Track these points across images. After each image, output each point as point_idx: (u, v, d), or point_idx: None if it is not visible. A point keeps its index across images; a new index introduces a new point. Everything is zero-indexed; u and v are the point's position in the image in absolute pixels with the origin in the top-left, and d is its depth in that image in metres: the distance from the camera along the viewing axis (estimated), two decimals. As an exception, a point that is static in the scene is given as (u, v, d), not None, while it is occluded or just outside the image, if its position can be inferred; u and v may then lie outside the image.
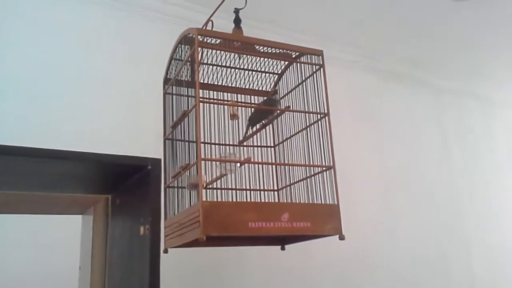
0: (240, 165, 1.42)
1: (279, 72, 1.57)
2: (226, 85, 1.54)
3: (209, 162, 1.32)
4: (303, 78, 1.45)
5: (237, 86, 1.56)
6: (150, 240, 1.32)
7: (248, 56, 1.44)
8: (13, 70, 1.89)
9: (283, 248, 1.51)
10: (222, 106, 1.46)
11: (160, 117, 1.52)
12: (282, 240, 1.49)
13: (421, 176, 3.00)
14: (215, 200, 1.39)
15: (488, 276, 3.05)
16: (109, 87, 2.07)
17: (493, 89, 3.59)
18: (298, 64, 1.47)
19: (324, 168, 1.35)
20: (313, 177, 1.37)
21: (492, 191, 3.35)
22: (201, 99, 1.24)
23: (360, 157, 2.73)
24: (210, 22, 1.42)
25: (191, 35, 1.33)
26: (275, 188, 1.53)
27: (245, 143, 1.54)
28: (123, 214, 1.57)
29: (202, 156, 1.19)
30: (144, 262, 1.31)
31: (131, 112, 2.07)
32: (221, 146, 1.46)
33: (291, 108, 1.48)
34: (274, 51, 1.40)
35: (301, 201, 1.40)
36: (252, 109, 1.55)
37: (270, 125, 1.59)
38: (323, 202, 1.32)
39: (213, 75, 1.51)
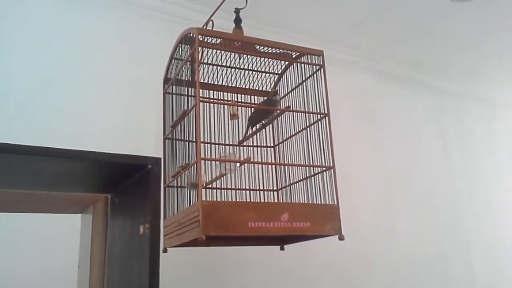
0: (240, 165, 1.42)
1: (279, 72, 1.57)
2: (226, 85, 1.54)
3: (209, 161, 1.32)
4: (303, 78, 1.45)
5: (237, 86, 1.55)
6: (149, 239, 1.32)
7: (249, 56, 1.44)
8: (13, 70, 1.89)
9: (282, 248, 1.51)
10: (222, 106, 1.46)
11: (160, 116, 1.52)
12: (281, 240, 1.49)
13: (421, 177, 3.00)
14: (215, 200, 1.39)
15: (487, 276, 3.05)
16: (109, 86, 2.06)
17: (493, 91, 3.59)
18: (298, 64, 1.47)
19: (324, 168, 1.35)
20: (313, 177, 1.37)
21: (492, 191, 3.35)
22: (201, 99, 1.24)
23: (360, 157, 2.73)
24: (211, 22, 1.42)
25: (191, 34, 1.33)
26: (275, 188, 1.53)
27: (245, 143, 1.54)
28: (123, 213, 1.57)
29: (202, 156, 1.19)
30: (144, 261, 1.31)
31: (131, 111, 2.07)
32: (221, 146, 1.46)
33: (291, 108, 1.48)
34: (274, 51, 1.40)
35: (301, 201, 1.40)
36: (252, 109, 1.55)
37: (270, 125, 1.59)
38: (322, 202, 1.32)
39: (213, 74, 1.51)
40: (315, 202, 1.34)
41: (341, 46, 2.79)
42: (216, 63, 1.46)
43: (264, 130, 1.56)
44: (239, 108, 1.49)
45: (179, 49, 1.44)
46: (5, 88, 1.85)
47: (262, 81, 1.58)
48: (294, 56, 1.46)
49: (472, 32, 2.75)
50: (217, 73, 1.50)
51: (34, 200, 1.55)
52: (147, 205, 1.36)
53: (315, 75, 1.42)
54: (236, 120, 1.48)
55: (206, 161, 1.29)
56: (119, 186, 1.56)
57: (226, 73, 1.51)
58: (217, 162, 1.37)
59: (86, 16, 2.12)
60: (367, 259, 2.55)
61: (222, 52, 1.40)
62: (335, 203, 1.30)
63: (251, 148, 1.54)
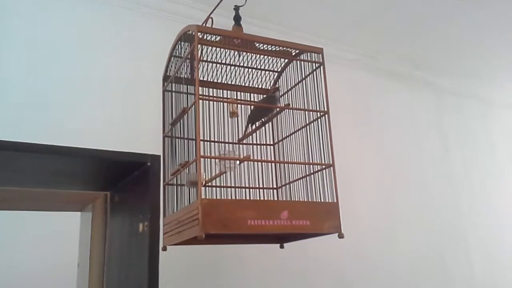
0: (240, 163, 1.42)
1: (279, 70, 1.57)
2: (225, 82, 1.54)
3: (208, 159, 1.32)
4: (303, 76, 1.45)
5: (237, 83, 1.55)
6: (149, 237, 1.31)
7: (248, 54, 1.44)
8: (13, 69, 1.89)
9: (282, 246, 1.51)
10: (221, 103, 1.46)
11: (160, 114, 1.52)
12: (281, 238, 1.49)
13: (420, 176, 2.99)
14: (214, 198, 1.39)
15: (487, 277, 3.05)
16: (108, 83, 2.06)
17: (493, 90, 3.59)
18: (298, 62, 1.46)
19: (323, 166, 1.35)
20: (312, 175, 1.37)
21: (492, 191, 3.35)
22: (200, 97, 1.24)
23: (359, 155, 2.73)
24: (210, 19, 1.42)
25: (190, 32, 1.32)
26: (275, 186, 1.53)
27: (244, 141, 1.54)
28: (122, 211, 1.57)
29: (202, 154, 1.19)
30: (143, 259, 1.30)
31: (130, 108, 2.06)
32: (220, 144, 1.46)
33: (291, 106, 1.48)
34: (274, 48, 1.40)
35: (301, 199, 1.40)
36: (252, 107, 1.55)
37: (270, 123, 1.59)
38: (322, 200, 1.32)
39: (212, 72, 1.51)
40: (314, 200, 1.34)
41: (341, 44, 2.79)
42: (215, 61, 1.46)
43: (263, 128, 1.55)
44: (239, 106, 1.49)
45: (178, 46, 1.44)
46: (5, 88, 1.85)
47: (261, 78, 1.58)
48: (293, 54, 1.46)
49: (473, 31, 2.74)
50: (217, 71, 1.50)
51: (32, 198, 1.54)
52: (146, 203, 1.36)
53: (314, 72, 1.42)
54: (236, 118, 1.48)
55: (206, 159, 1.29)
56: (118, 183, 1.56)
57: (226, 70, 1.50)
58: (217, 160, 1.36)
59: (85, 14, 2.11)
60: (367, 258, 2.55)
61: (222, 49, 1.39)
62: (335, 201, 1.30)
63: (251, 146, 1.54)
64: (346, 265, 2.46)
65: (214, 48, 1.38)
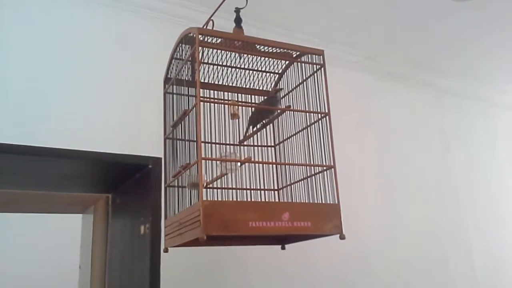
0: (241, 165, 1.42)
1: (279, 71, 1.57)
2: (226, 84, 1.54)
3: (210, 161, 1.32)
4: (304, 78, 1.45)
5: (238, 85, 1.55)
6: (150, 239, 1.32)
7: (249, 56, 1.44)
8: (14, 69, 1.89)
9: (283, 248, 1.51)
10: (222, 105, 1.46)
11: (161, 116, 1.52)
12: (282, 240, 1.49)
13: (421, 176, 2.99)
14: (216, 199, 1.39)
15: (488, 276, 3.05)
16: (110, 86, 2.06)
17: (493, 90, 3.59)
18: (299, 63, 1.47)
19: (324, 168, 1.35)
20: (313, 177, 1.37)
21: (492, 191, 3.35)
22: (201, 99, 1.24)
23: (360, 157, 2.73)
24: (211, 22, 1.42)
25: (191, 34, 1.33)
26: (276, 187, 1.53)
27: (245, 143, 1.54)
28: (124, 213, 1.57)
29: (203, 156, 1.19)
30: (145, 261, 1.30)
31: (131, 111, 2.07)
32: (221, 146, 1.46)
33: (292, 107, 1.48)
34: (274, 50, 1.40)
35: (302, 201, 1.40)
36: (253, 108, 1.55)
37: (271, 125, 1.59)
38: (323, 202, 1.32)
39: (213, 74, 1.51)
40: (316, 202, 1.34)
41: (342, 45, 2.79)
42: (216, 63, 1.46)
43: (264, 129, 1.56)
44: (240, 107, 1.49)
45: (179, 49, 1.44)
46: (6, 87, 1.85)
47: (262, 80, 1.58)
48: (294, 56, 1.46)
49: (473, 32, 2.75)
50: (218, 73, 1.50)
51: (34, 200, 1.55)
52: (147, 205, 1.36)
53: (315, 74, 1.42)
54: (237, 120, 1.48)
55: (207, 161, 1.29)
56: (120, 186, 1.56)
57: (227, 72, 1.51)
58: (218, 162, 1.37)
59: (86, 15, 2.12)
60: (368, 259, 2.55)
61: (223, 51, 1.39)
62: (336, 202, 1.30)
63: (252, 147, 1.54)
64: (347, 266, 2.46)
65: (215, 50, 1.38)
